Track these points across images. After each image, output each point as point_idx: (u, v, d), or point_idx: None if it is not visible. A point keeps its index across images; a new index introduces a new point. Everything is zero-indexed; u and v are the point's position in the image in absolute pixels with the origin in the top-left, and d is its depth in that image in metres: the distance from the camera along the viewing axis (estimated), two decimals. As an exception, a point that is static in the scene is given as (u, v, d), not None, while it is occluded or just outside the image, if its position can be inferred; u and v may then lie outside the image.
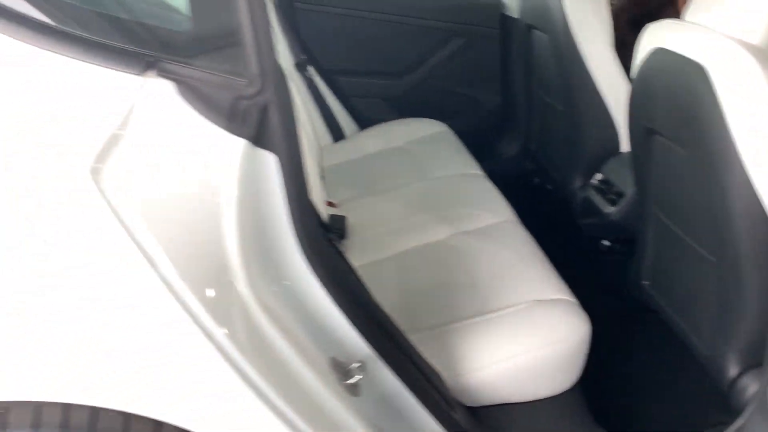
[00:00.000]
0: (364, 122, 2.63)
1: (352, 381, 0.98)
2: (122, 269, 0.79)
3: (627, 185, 1.90)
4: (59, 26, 0.85)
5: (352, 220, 1.71)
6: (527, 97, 2.52)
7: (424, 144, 2.34)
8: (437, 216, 1.79)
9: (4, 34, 0.82)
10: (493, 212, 1.77)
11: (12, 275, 0.78)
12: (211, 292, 0.85)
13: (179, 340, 0.83)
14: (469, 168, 2.11)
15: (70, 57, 0.83)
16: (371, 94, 2.71)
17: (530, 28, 2.27)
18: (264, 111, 0.89)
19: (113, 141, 0.81)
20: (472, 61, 2.66)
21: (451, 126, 2.48)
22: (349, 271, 1.09)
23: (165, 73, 0.86)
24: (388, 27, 2.62)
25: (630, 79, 1.61)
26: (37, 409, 0.83)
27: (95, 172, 0.78)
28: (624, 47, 2.07)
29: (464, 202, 1.85)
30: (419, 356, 1.13)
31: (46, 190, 0.79)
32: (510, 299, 1.37)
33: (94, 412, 0.84)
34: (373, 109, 2.68)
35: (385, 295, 1.17)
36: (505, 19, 2.53)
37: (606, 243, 2.16)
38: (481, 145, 2.43)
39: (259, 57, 0.87)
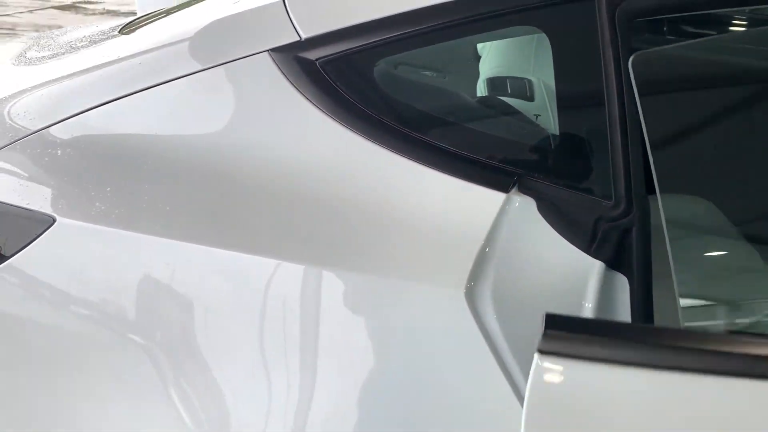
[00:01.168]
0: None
1: None
2: (489, 392, 0.79)
3: None
4: (433, 140, 0.89)
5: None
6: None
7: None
8: None
9: (379, 145, 0.88)
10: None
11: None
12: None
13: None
14: None
15: (440, 171, 0.86)
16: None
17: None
18: (624, 234, 0.86)
19: (481, 259, 0.82)
20: None
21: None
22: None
23: (527, 191, 0.87)
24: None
25: None
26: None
27: (468, 292, 0.79)
28: None
29: None
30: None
31: (418, 309, 0.82)
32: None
33: None
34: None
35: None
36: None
37: None
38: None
39: (627, 179, 0.84)
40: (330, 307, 0.82)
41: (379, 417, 0.80)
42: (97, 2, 10.94)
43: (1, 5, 10.03)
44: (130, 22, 1.30)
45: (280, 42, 0.92)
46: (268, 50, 0.91)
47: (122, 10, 10.17)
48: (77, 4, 10.60)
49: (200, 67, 0.93)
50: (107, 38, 1.18)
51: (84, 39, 1.25)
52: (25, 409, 0.95)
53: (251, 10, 0.97)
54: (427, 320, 0.81)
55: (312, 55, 0.91)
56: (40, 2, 10.47)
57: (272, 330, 0.83)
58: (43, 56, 1.20)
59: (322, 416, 0.81)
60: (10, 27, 8.23)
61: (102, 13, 9.88)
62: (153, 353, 0.86)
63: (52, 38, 1.35)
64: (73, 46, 1.20)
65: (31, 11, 9.59)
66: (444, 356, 0.80)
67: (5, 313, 0.92)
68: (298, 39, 0.91)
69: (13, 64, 1.18)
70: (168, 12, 1.35)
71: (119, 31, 1.17)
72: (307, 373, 0.81)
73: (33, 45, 1.31)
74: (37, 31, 8.07)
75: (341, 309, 0.82)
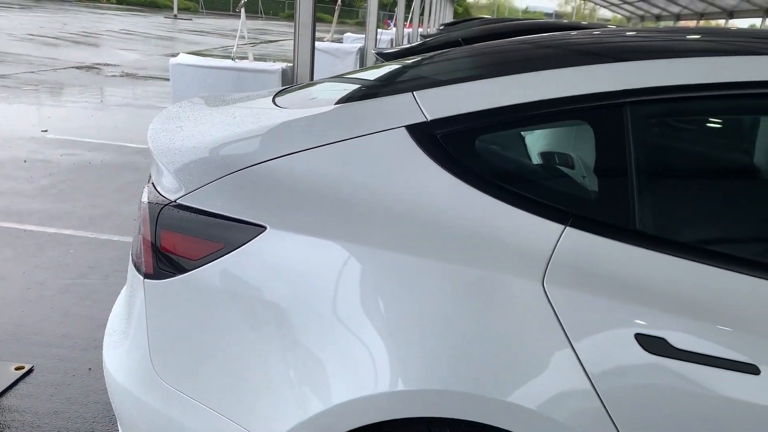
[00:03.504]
0: None
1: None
2: (551, 360, 1.22)
3: None
4: (510, 187, 1.35)
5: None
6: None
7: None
8: None
9: (472, 186, 1.33)
10: None
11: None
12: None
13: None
14: None
15: (508, 204, 1.31)
16: None
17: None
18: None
19: (552, 260, 1.27)
20: None
21: None
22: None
23: (578, 226, 1.32)
24: None
25: None
26: None
27: (545, 282, 1.24)
28: None
29: None
30: None
31: (501, 293, 1.25)
32: None
33: None
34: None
35: None
36: None
37: None
38: None
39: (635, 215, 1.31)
40: (428, 295, 1.26)
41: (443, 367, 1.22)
42: (115, 65, 11.55)
43: (29, 63, 10.60)
44: (281, 90, 1.78)
45: (414, 121, 1.39)
46: (404, 126, 1.39)
47: (140, 74, 10.78)
48: (96, 66, 11.19)
49: (356, 134, 1.39)
50: (266, 98, 1.65)
51: (244, 99, 1.72)
52: (228, 358, 1.35)
53: (390, 99, 1.45)
54: (511, 301, 1.25)
55: (434, 131, 1.38)
56: (62, 62, 11.05)
57: (379, 306, 1.26)
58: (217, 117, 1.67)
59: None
60: (37, 83, 8.72)
61: (121, 75, 10.47)
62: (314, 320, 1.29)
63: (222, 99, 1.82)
64: (238, 106, 1.67)
65: (54, 70, 10.15)
66: (524, 330, 1.24)
67: (231, 291, 1.34)
68: (425, 120, 1.39)
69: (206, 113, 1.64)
70: (308, 85, 1.83)
71: (273, 100, 1.65)
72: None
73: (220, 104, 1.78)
74: (60, 86, 8.55)
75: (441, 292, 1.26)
